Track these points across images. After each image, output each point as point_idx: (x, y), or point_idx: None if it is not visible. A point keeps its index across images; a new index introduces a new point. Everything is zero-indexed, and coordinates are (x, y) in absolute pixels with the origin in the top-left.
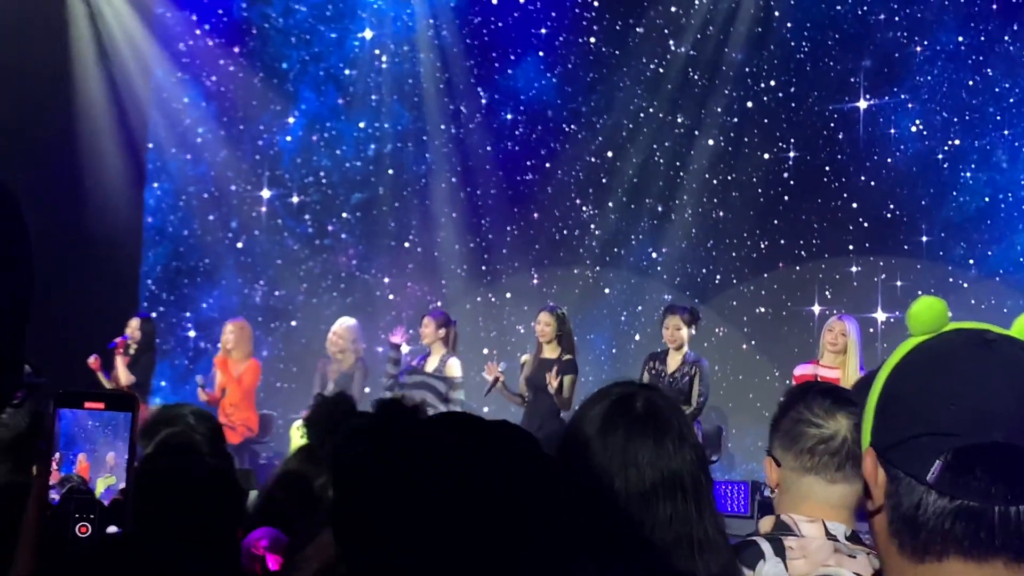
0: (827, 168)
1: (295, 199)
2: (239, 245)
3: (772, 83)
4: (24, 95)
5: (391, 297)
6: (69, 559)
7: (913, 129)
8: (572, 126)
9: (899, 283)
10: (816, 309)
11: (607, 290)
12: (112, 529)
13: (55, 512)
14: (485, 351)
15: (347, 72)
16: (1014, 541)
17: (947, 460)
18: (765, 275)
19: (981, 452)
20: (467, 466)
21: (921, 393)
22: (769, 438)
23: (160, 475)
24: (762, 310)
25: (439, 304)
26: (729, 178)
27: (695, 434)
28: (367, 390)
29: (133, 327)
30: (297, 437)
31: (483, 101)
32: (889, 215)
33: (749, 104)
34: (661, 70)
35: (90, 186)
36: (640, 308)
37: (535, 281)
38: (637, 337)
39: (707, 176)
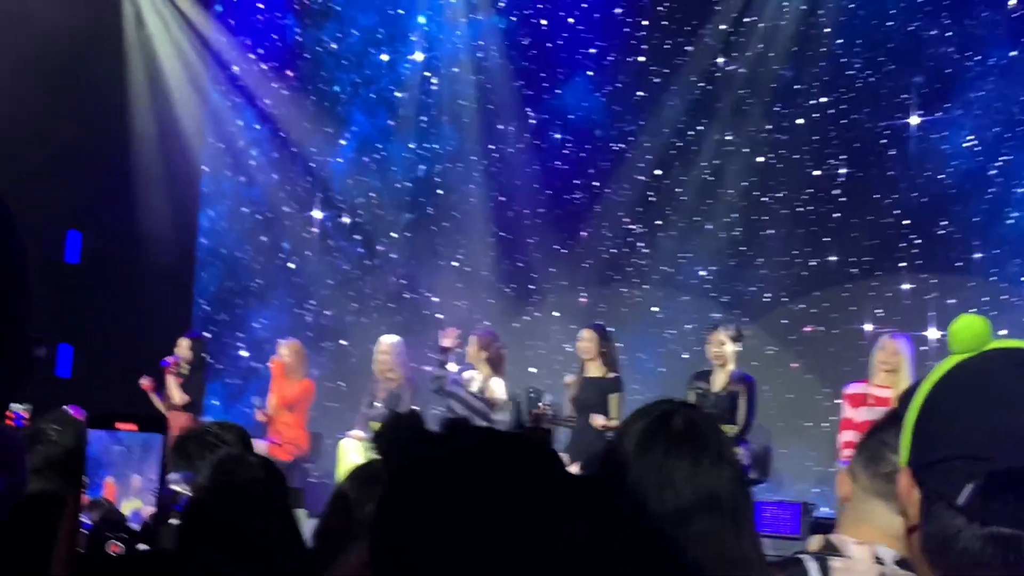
0: (878, 184)
1: (346, 220)
2: (290, 265)
3: (822, 99)
4: (81, 120)
5: (439, 316)
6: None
7: (965, 145)
8: (620, 145)
9: (951, 301)
10: (867, 327)
11: (655, 308)
12: (142, 548)
13: (89, 533)
14: (532, 370)
15: (397, 94)
16: None
17: (979, 484)
18: (815, 293)
19: (1015, 477)
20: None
21: (958, 413)
22: (854, 454)
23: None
24: (810, 329)
25: (487, 324)
26: (779, 195)
27: (734, 453)
28: (416, 408)
29: (183, 347)
30: (345, 456)
31: (531, 121)
32: (941, 232)
33: (799, 121)
34: (710, 87)
35: (145, 210)
36: (688, 327)
37: (583, 300)
38: (685, 356)
39: (756, 193)
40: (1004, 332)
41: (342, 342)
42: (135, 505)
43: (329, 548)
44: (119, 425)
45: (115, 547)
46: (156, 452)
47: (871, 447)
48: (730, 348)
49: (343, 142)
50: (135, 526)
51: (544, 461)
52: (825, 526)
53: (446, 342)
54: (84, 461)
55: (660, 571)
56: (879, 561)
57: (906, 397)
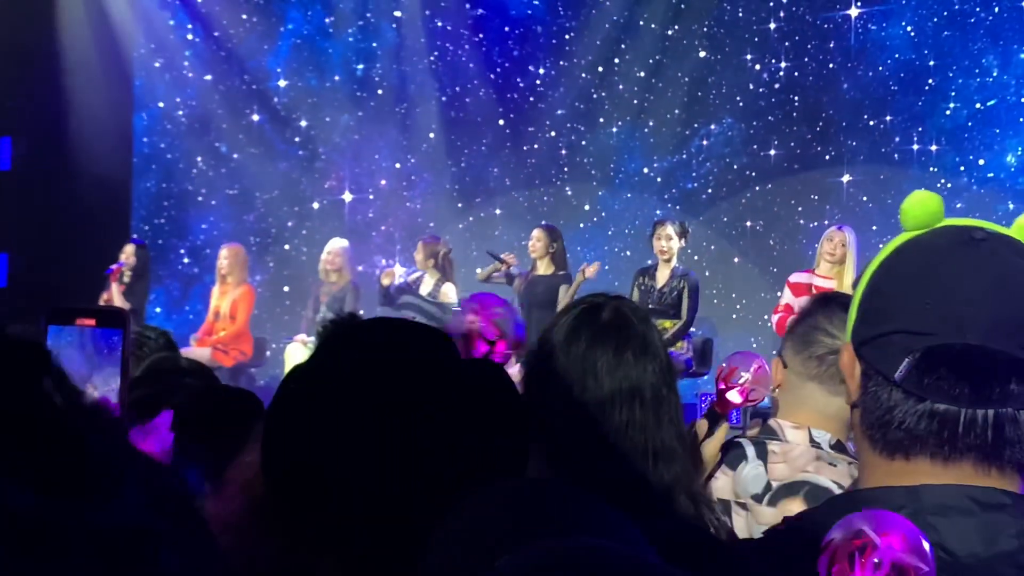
0: (818, 78)
1: (286, 122)
2: (230, 169)
3: None
4: (6, 23)
5: (384, 219)
6: None
7: (904, 35)
8: (562, 40)
9: (892, 192)
10: (806, 223)
11: (599, 207)
12: None
13: None
14: (478, 271)
15: None
16: (981, 444)
17: (915, 359)
18: (756, 188)
19: (952, 353)
20: (383, 380)
21: (900, 289)
22: (783, 340)
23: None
24: (750, 224)
25: (432, 225)
26: (721, 92)
27: (662, 345)
28: (361, 312)
29: (128, 253)
30: (291, 360)
31: (470, 19)
32: (881, 125)
33: (740, 14)
34: None
35: (77, 113)
36: (632, 224)
37: (527, 201)
38: (628, 253)
39: (698, 91)
40: None
41: (284, 247)
42: None
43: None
44: (80, 321)
45: None
46: (114, 349)
47: (801, 332)
48: (676, 243)
49: (280, 42)
50: None
51: (443, 349)
52: (765, 415)
53: (384, 281)
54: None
55: (583, 460)
56: (815, 444)
57: (857, 283)
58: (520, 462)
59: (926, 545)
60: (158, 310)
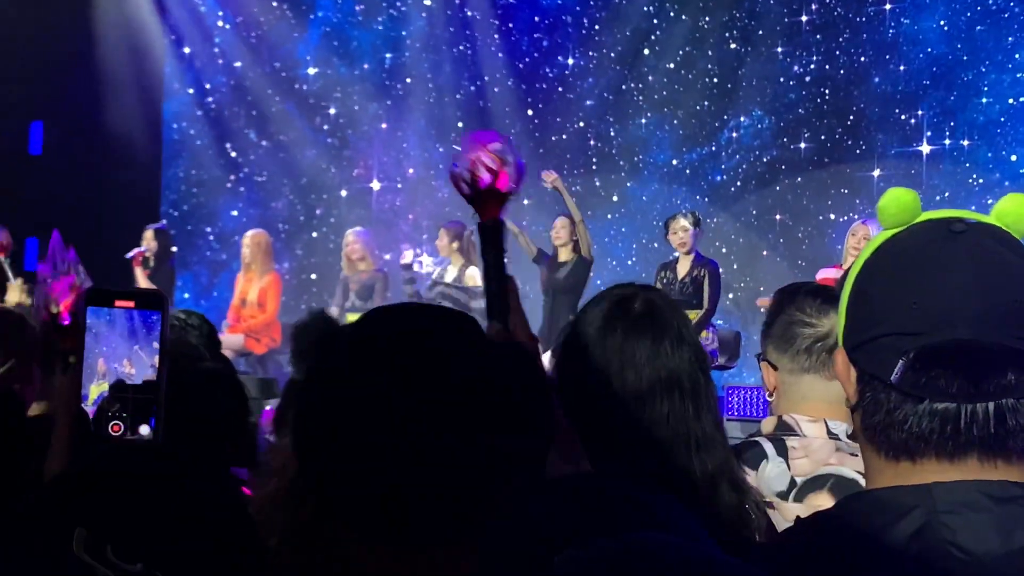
0: (849, 72)
1: (315, 110)
2: (258, 156)
3: None
4: (40, 9)
5: (412, 207)
6: (87, 467)
7: (937, 29)
8: (592, 30)
9: (923, 187)
10: (835, 217)
11: (627, 197)
12: (144, 429)
13: (95, 413)
14: (505, 260)
15: None
16: (985, 437)
17: (909, 361)
18: (786, 181)
19: (944, 351)
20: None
21: (884, 291)
22: (761, 343)
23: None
24: (779, 217)
25: (459, 215)
26: (752, 84)
27: (695, 335)
28: (388, 297)
29: (148, 238)
30: None
31: (499, 10)
32: (913, 119)
33: (772, 4)
34: None
35: (108, 99)
36: (660, 216)
37: (554, 191)
38: (656, 245)
39: (728, 84)
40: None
41: (314, 234)
42: (102, 388)
43: (284, 434)
44: (119, 303)
45: (116, 427)
46: (152, 331)
47: (779, 331)
48: (693, 233)
49: (310, 30)
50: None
51: (466, 332)
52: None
53: (405, 259)
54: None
55: (626, 453)
56: (833, 436)
57: (842, 280)
58: (541, 454)
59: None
60: (186, 296)
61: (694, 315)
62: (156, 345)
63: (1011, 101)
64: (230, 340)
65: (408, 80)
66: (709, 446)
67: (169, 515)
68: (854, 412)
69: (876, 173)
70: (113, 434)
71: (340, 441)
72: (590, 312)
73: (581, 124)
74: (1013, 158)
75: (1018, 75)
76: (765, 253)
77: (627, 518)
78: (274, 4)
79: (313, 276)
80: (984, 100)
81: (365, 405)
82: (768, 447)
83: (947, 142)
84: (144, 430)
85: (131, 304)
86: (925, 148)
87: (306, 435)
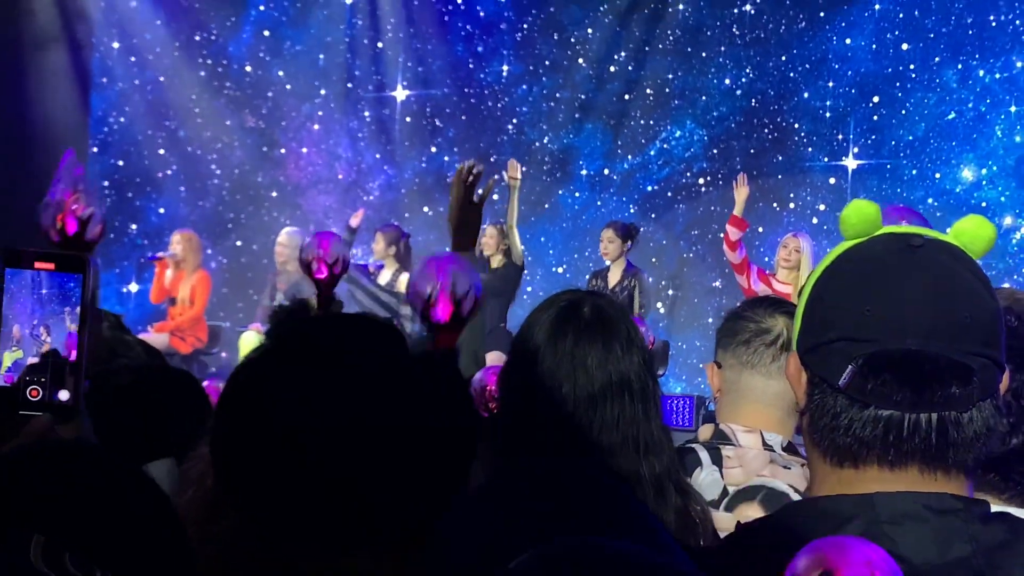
0: (781, 90)
1: (246, 109)
2: (188, 155)
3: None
4: None
5: (343, 210)
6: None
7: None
8: (527, 39)
9: (849, 201)
10: (763, 228)
11: (559, 205)
12: (64, 395)
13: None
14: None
15: None
16: (926, 448)
17: (858, 366)
18: (716, 193)
19: (893, 358)
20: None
21: (840, 298)
22: (717, 347)
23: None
24: (708, 228)
25: (391, 220)
26: (684, 96)
27: (642, 338)
28: (306, 299)
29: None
30: (247, 348)
31: (437, 16)
32: (840, 134)
33: (704, 22)
34: None
35: (35, 92)
36: (589, 223)
37: (495, 196)
38: (588, 252)
39: (661, 96)
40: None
41: (241, 235)
42: (16, 356)
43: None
44: (39, 264)
45: (34, 392)
46: (73, 296)
47: (726, 328)
48: (619, 244)
49: (242, 28)
50: (15, 377)
51: (393, 345)
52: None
53: (353, 221)
54: None
55: (576, 456)
56: (768, 447)
57: (803, 286)
58: (464, 468)
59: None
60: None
61: None
62: (77, 310)
63: (936, 120)
64: (155, 340)
65: (342, 82)
66: (657, 449)
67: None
68: (803, 415)
69: (804, 187)
70: (31, 399)
71: (258, 459)
72: (539, 318)
73: (513, 131)
74: (937, 176)
75: (943, 94)
76: (693, 263)
77: (608, 504)
78: (207, 0)
79: (247, 275)
80: (910, 118)
81: (282, 424)
82: (703, 454)
83: (872, 159)
84: (63, 395)
85: (51, 266)
86: (852, 163)
87: (223, 452)
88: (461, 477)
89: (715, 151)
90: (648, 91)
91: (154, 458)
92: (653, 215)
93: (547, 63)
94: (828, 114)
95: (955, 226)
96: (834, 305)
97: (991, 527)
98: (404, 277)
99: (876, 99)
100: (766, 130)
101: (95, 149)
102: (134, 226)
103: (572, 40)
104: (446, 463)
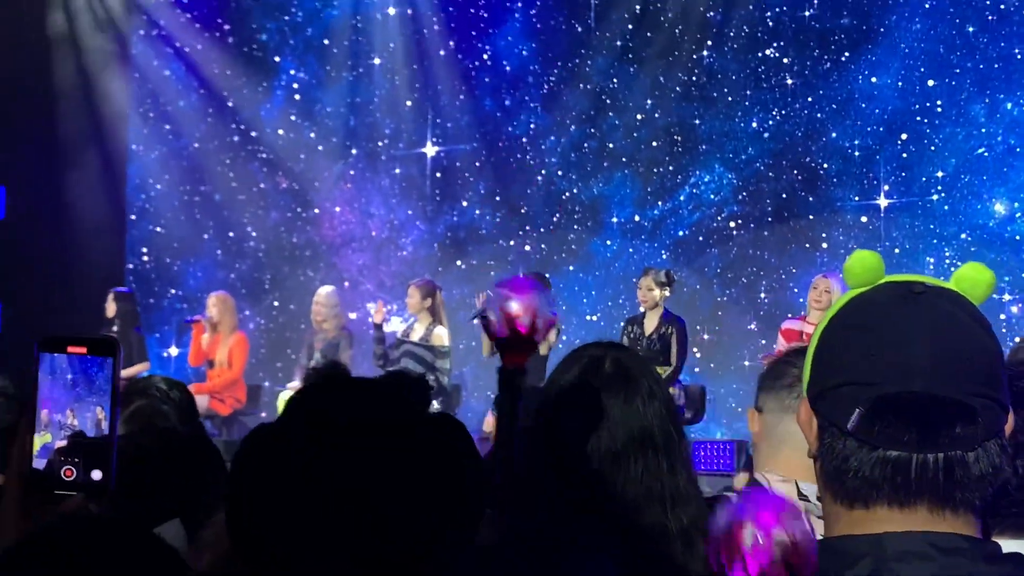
0: (807, 129)
1: (280, 175)
2: (223, 218)
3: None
4: (1, 72)
5: (377, 267)
6: (47, 536)
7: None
8: (552, 90)
9: (882, 240)
10: (795, 269)
11: (591, 254)
12: (96, 474)
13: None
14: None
15: (326, 42)
16: (934, 487)
17: (865, 409)
18: (747, 236)
19: (898, 401)
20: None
21: (847, 344)
22: (759, 391)
23: (130, 450)
24: (741, 271)
25: (426, 274)
26: (711, 140)
27: (665, 390)
28: (350, 355)
29: (109, 301)
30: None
31: (462, 71)
32: (871, 173)
33: (728, 67)
34: (649, 33)
35: (72, 163)
36: (622, 271)
37: (527, 247)
38: (621, 300)
39: (688, 141)
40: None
41: (279, 294)
42: (44, 440)
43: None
44: (71, 349)
45: (68, 472)
46: (105, 379)
47: (772, 373)
48: (658, 292)
49: (273, 92)
50: (44, 461)
51: (406, 410)
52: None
53: (376, 318)
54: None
55: (603, 512)
56: (803, 497)
57: (813, 334)
58: (471, 532)
59: (799, 504)
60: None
61: (662, 371)
62: (108, 391)
63: (966, 155)
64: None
65: (371, 141)
66: (684, 501)
67: None
68: (815, 460)
69: (836, 227)
70: (66, 479)
71: (273, 530)
72: (564, 374)
73: (543, 181)
74: (969, 211)
75: (972, 129)
76: (727, 307)
77: None
78: (239, 67)
79: (287, 335)
80: (939, 154)
81: (297, 494)
82: None
83: (904, 197)
84: (96, 474)
85: (83, 350)
86: (883, 202)
87: (238, 520)
88: (469, 536)
89: (744, 194)
90: (676, 137)
91: (161, 520)
92: (685, 260)
93: (574, 113)
94: (857, 153)
95: (956, 273)
96: (841, 351)
97: (996, 567)
98: (438, 330)
99: (904, 136)
100: (795, 171)
101: (133, 216)
102: (173, 291)
103: (598, 90)
104: (455, 523)
